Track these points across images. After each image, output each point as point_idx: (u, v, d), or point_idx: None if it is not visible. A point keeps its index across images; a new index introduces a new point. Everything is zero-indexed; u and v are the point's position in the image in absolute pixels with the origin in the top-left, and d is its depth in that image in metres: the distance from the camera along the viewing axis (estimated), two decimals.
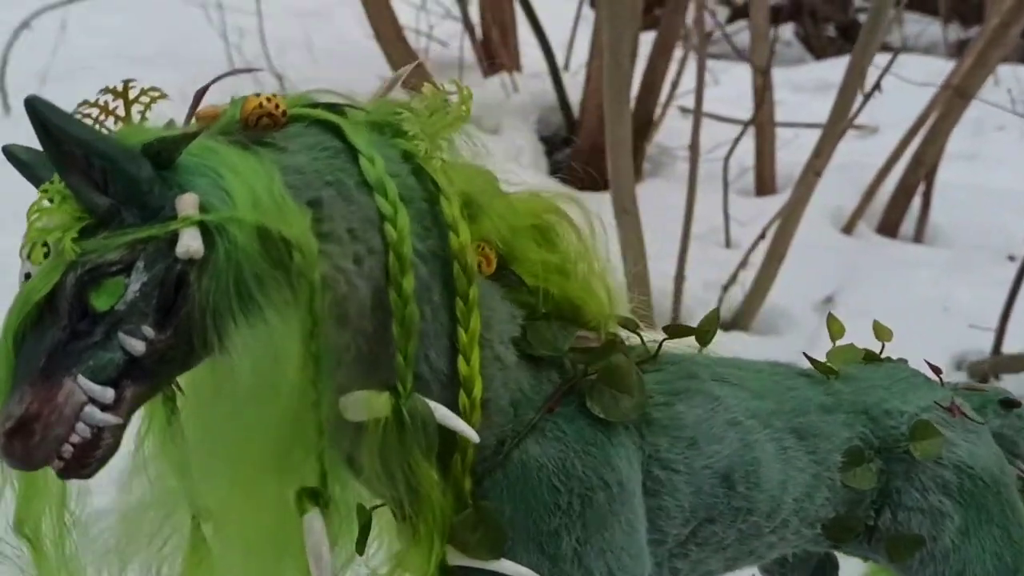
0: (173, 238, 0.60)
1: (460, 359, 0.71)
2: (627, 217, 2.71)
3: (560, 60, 3.99)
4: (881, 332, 0.99)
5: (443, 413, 0.70)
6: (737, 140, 3.06)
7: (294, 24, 4.10)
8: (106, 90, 0.69)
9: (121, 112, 0.68)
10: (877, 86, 2.31)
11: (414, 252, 0.69)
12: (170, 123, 0.70)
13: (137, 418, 0.68)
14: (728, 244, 3.22)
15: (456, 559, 0.72)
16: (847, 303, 2.80)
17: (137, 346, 0.60)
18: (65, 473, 0.61)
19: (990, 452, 0.90)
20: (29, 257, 0.62)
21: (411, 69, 0.81)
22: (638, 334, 0.85)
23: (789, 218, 2.63)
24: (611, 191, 2.71)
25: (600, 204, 3.38)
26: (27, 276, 0.65)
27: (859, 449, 0.87)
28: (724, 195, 3.10)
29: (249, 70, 0.77)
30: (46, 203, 0.62)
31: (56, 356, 0.59)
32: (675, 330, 0.85)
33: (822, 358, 2.80)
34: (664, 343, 0.85)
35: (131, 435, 0.70)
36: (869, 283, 2.86)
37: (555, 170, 3.88)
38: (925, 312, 2.69)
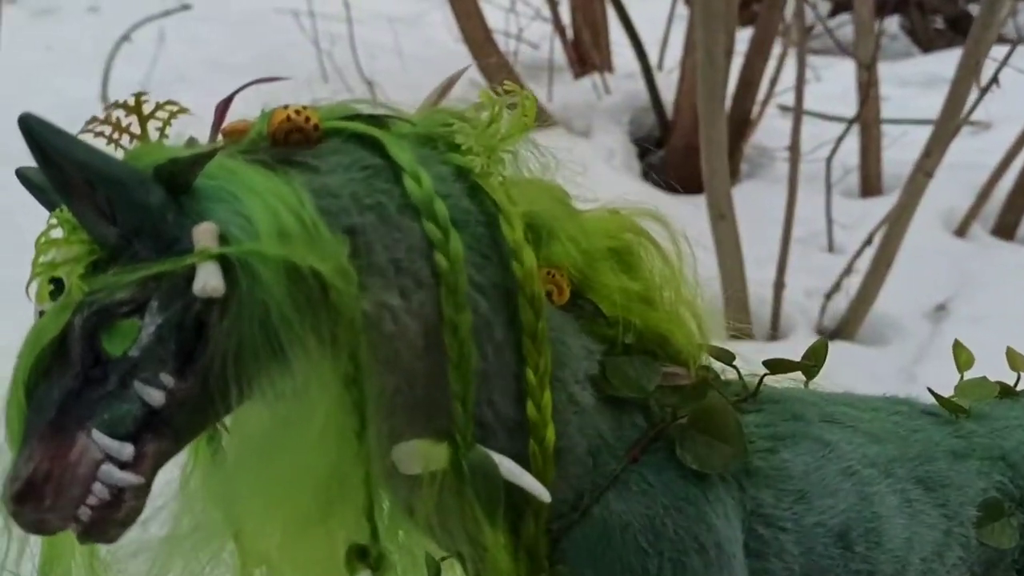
0: (190, 274, 0.52)
1: (529, 403, 0.63)
2: (723, 223, 2.60)
3: (653, 59, 3.88)
4: (1016, 361, 0.87)
5: (509, 468, 0.62)
6: (841, 139, 2.91)
7: (384, 30, 4.09)
8: (117, 104, 0.61)
9: (136, 129, 0.61)
10: (995, 79, 2.15)
11: (471, 284, 0.61)
12: (191, 141, 0.63)
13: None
14: (831, 249, 3.06)
15: None
16: (961, 311, 2.63)
17: (155, 396, 0.53)
18: (85, 537, 0.53)
19: None
20: (37, 294, 0.56)
21: (462, 73, 0.73)
22: (735, 367, 0.76)
23: (898, 221, 2.48)
24: (706, 195, 2.60)
25: (697, 208, 3.27)
26: (41, 315, 0.59)
27: (997, 501, 0.75)
28: (827, 197, 2.95)
29: (276, 79, 0.68)
30: (55, 233, 0.57)
31: (68, 407, 0.53)
32: (777, 365, 0.75)
33: (935, 371, 2.66)
34: (765, 379, 0.76)
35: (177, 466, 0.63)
36: (985, 289, 2.68)
37: (648, 172, 3.78)
38: None
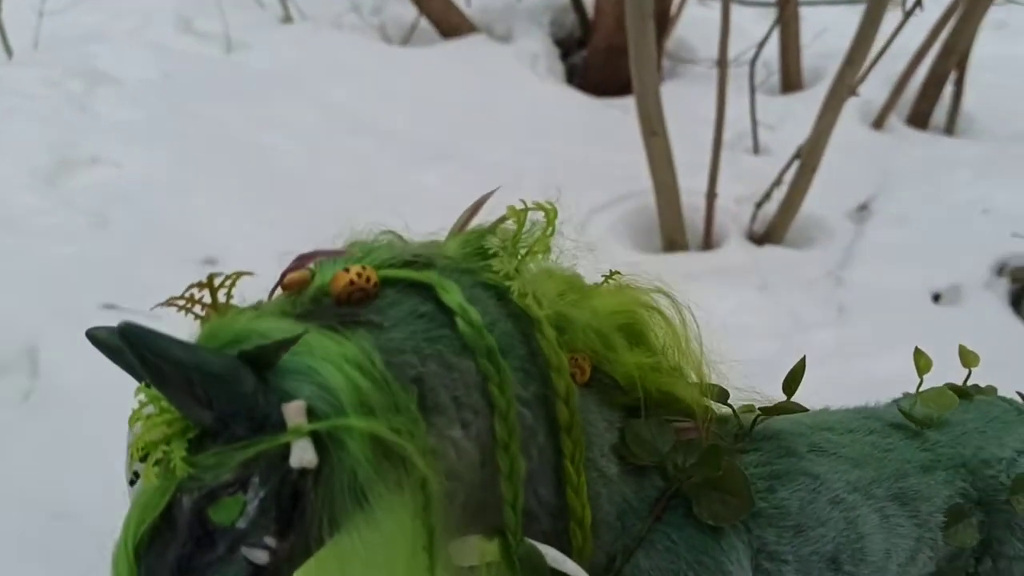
0: (285, 449, 0.58)
1: (570, 492, 0.70)
2: (656, 139, 2.64)
3: None
4: (968, 358, 0.97)
5: (554, 556, 0.69)
6: (763, 43, 2.94)
7: None
8: (192, 285, 0.66)
9: (207, 299, 0.66)
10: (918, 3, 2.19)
11: (518, 400, 0.67)
12: (259, 304, 0.66)
13: None
14: (756, 151, 3.14)
15: None
16: (883, 210, 2.75)
17: (261, 557, 0.59)
18: None
19: None
20: (139, 471, 0.60)
21: (489, 197, 0.77)
22: (731, 407, 0.83)
23: (821, 133, 2.56)
24: (638, 111, 2.63)
25: (622, 112, 3.30)
26: (135, 475, 0.64)
27: (960, 506, 0.85)
28: (751, 101, 3.01)
29: (335, 252, 0.72)
30: (148, 409, 0.60)
31: (183, 572, 0.59)
32: (771, 410, 0.83)
33: (860, 275, 2.77)
34: (755, 416, 0.83)
35: None
36: (904, 187, 2.81)
37: (572, 76, 3.77)
38: (963, 215, 2.64)
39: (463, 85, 3.37)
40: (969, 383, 0.97)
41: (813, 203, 2.75)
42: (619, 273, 0.81)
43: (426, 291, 0.67)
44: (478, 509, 0.68)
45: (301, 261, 0.69)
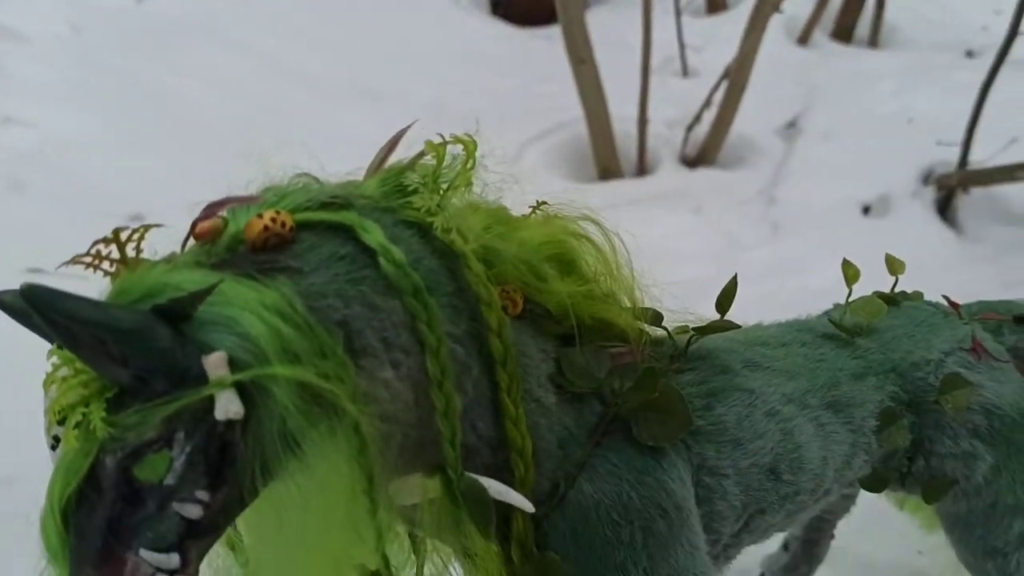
0: (208, 402, 0.56)
1: (508, 424, 0.69)
2: (584, 67, 2.62)
3: None
4: (894, 266, 0.98)
5: (496, 488, 0.68)
6: None
7: None
8: (97, 241, 0.62)
9: (115, 255, 0.61)
10: None
11: (449, 337, 0.66)
12: (172, 256, 0.64)
13: None
14: (685, 73, 3.13)
15: None
16: (811, 126, 2.78)
17: (193, 511, 0.57)
18: None
19: (1016, 386, 0.91)
20: (59, 435, 0.58)
21: (404, 133, 0.74)
22: (665, 329, 0.83)
23: (748, 51, 2.56)
24: (564, 40, 2.60)
25: (548, 41, 3.27)
26: (56, 439, 0.60)
27: (891, 410, 0.85)
28: (677, 23, 2.99)
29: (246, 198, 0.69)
30: (62, 371, 0.58)
31: (113, 533, 0.56)
32: (704, 329, 0.83)
33: (790, 192, 2.79)
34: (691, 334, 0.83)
35: None
36: (830, 101, 2.83)
37: (495, 5, 3.71)
38: (889, 126, 2.68)
39: (382, 20, 3.30)
40: (897, 289, 0.98)
41: (743, 123, 2.76)
42: (546, 204, 0.79)
43: (345, 233, 0.65)
44: (416, 448, 0.67)
45: (211, 209, 0.66)
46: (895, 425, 0.87)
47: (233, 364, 0.56)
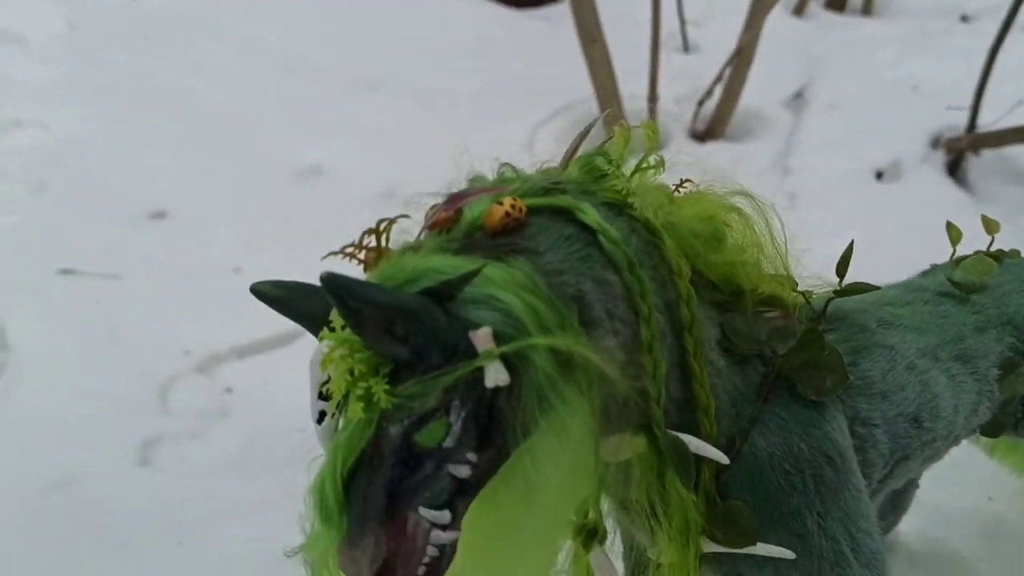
0: (478, 372, 0.62)
1: (695, 385, 0.74)
2: (595, 46, 2.65)
3: None
4: (990, 225, 1.03)
5: (697, 444, 0.74)
6: None
7: None
8: (369, 231, 0.69)
9: (372, 244, 0.69)
10: None
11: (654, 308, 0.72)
12: (415, 244, 0.69)
13: None
14: (686, 49, 3.17)
15: (714, 548, 0.77)
16: (817, 97, 2.83)
17: (464, 471, 0.64)
18: None
19: None
20: (342, 410, 0.63)
21: (596, 122, 0.79)
22: (803, 294, 0.88)
23: (757, 23, 2.60)
24: (575, 21, 2.63)
25: (545, 22, 3.29)
26: (322, 414, 0.66)
27: (1011, 359, 0.92)
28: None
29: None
30: (338, 352, 0.62)
31: (395, 495, 0.63)
32: (844, 291, 0.87)
33: (804, 161, 2.84)
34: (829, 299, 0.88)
35: None
36: (833, 71, 2.89)
37: None
38: (894, 93, 2.74)
39: (382, 11, 3.31)
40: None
41: (749, 96, 2.81)
42: (690, 181, 0.84)
43: (566, 215, 0.71)
44: (622, 412, 0.72)
45: (453, 202, 0.71)
46: (1015, 373, 0.92)
47: (497, 338, 0.62)
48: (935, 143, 2.59)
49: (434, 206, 0.72)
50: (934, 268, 1.03)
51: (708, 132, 2.83)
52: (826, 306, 0.86)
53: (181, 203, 2.41)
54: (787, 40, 3.02)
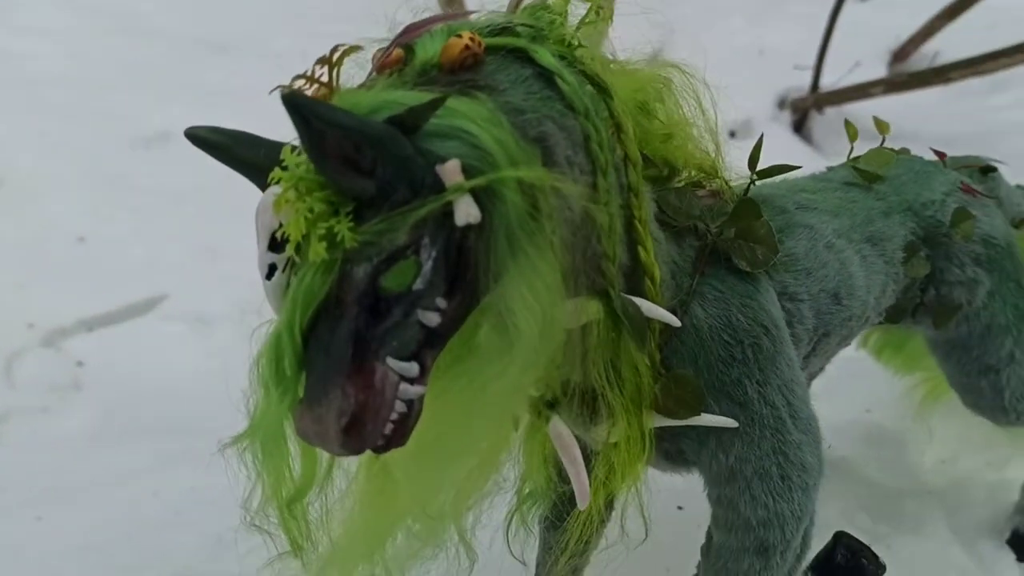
0: (447, 208, 0.57)
1: (641, 250, 0.72)
2: (454, 5, 2.63)
3: None
4: (881, 126, 1.07)
5: (648, 306, 0.71)
6: None
7: None
8: (320, 61, 0.63)
9: (325, 78, 0.62)
10: None
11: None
12: (372, 80, 0.63)
13: None
14: None
15: (661, 422, 0.75)
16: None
17: (433, 319, 0.59)
18: (385, 448, 0.60)
19: (1000, 220, 1.02)
20: (300, 251, 0.57)
21: None
22: (722, 179, 0.88)
23: None
24: None
25: None
26: (271, 267, 0.60)
27: (913, 243, 0.95)
28: None
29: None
30: (289, 194, 0.56)
31: (360, 345, 0.57)
32: (766, 172, 0.88)
33: None
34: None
35: None
36: (685, 37, 2.96)
37: None
38: (744, 58, 2.84)
39: None
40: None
41: None
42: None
43: (523, 55, 0.66)
44: (576, 276, 0.69)
45: (405, 35, 0.66)
46: (916, 256, 0.96)
47: (466, 172, 0.57)
48: (782, 103, 2.71)
49: (380, 49, 0.67)
50: (831, 169, 1.06)
51: None
52: (748, 188, 0.87)
53: (18, 170, 2.24)
54: (637, 8, 3.08)
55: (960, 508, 1.25)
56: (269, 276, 0.61)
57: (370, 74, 0.65)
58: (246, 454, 0.65)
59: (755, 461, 0.78)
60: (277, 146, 0.61)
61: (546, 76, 0.66)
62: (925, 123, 2.56)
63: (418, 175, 0.57)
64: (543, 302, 0.61)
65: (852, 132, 1.01)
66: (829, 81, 2.61)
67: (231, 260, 2.01)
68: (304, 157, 0.57)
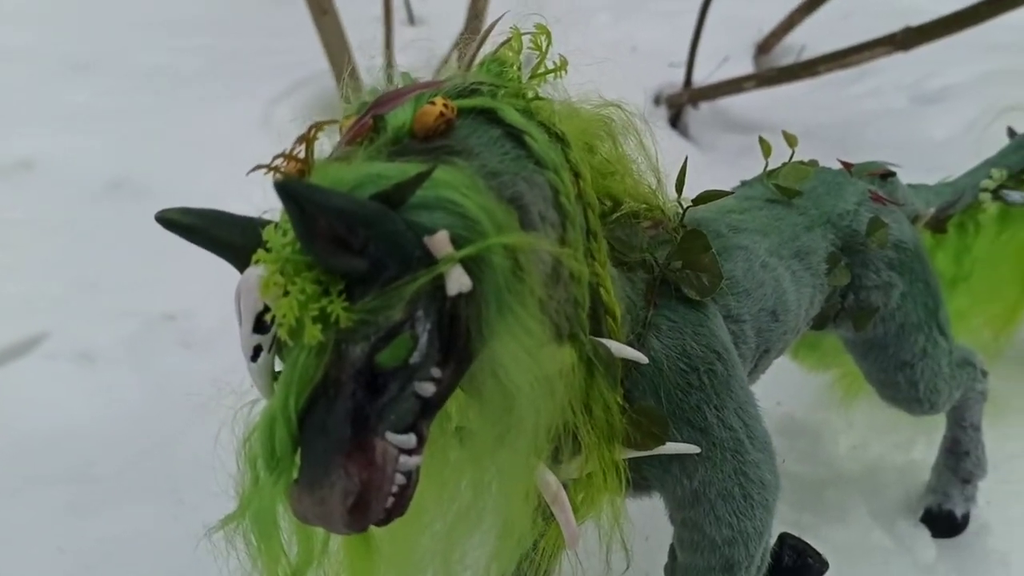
0: (438, 280, 0.57)
1: (603, 291, 0.73)
2: (327, 18, 2.57)
3: None
4: (790, 140, 1.11)
5: (616, 347, 0.73)
6: None
7: None
8: (300, 139, 0.62)
9: (302, 155, 0.61)
10: None
11: None
12: (343, 156, 0.62)
13: None
14: (412, 21, 3.17)
15: (630, 454, 0.77)
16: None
17: (428, 389, 0.59)
18: (386, 521, 0.60)
19: (907, 224, 1.08)
20: (294, 335, 0.56)
21: (494, 26, 0.75)
22: (660, 208, 0.90)
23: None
24: None
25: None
26: (256, 349, 0.60)
27: (834, 254, 0.99)
28: None
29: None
30: (276, 277, 0.56)
31: (358, 423, 0.57)
32: (699, 199, 0.90)
33: None
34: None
35: None
36: (556, 35, 3.00)
37: None
38: (616, 55, 2.88)
39: None
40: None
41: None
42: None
43: (488, 115, 0.67)
44: (550, 322, 0.69)
45: (374, 108, 0.65)
46: (838, 266, 1.00)
47: (453, 242, 0.57)
48: (657, 100, 2.78)
49: (347, 118, 0.66)
50: (745, 183, 1.09)
51: None
52: (683, 214, 0.89)
53: None
54: (504, 7, 3.09)
55: (876, 492, 1.32)
56: (255, 358, 0.60)
57: (339, 144, 0.64)
58: (236, 535, 0.64)
59: (718, 483, 0.81)
60: (253, 223, 0.60)
61: (514, 134, 0.66)
62: (792, 114, 2.68)
63: (408, 249, 0.57)
64: (535, 356, 0.62)
65: (766, 148, 1.05)
66: (701, 76, 2.69)
67: (113, 293, 1.93)
68: (288, 237, 0.56)
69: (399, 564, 0.70)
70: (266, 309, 0.58)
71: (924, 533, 1.26)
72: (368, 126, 0.64)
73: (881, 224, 1.02)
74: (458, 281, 0.58)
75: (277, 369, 0.64)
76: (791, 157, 1.12)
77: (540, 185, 0.67)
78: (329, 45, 2.61)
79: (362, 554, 0.68)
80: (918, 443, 1.39)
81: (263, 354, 0.60)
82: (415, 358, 0.58)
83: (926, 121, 2.32)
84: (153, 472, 1.45)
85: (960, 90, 2.47)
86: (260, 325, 0.59)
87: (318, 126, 0.63)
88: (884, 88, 2.43)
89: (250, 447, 0.60)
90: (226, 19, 3.01)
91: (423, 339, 0.58)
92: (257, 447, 0.59)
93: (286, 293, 0.56)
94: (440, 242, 0.57)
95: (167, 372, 1.68)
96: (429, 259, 0.57)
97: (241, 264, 0.60)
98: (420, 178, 0.57)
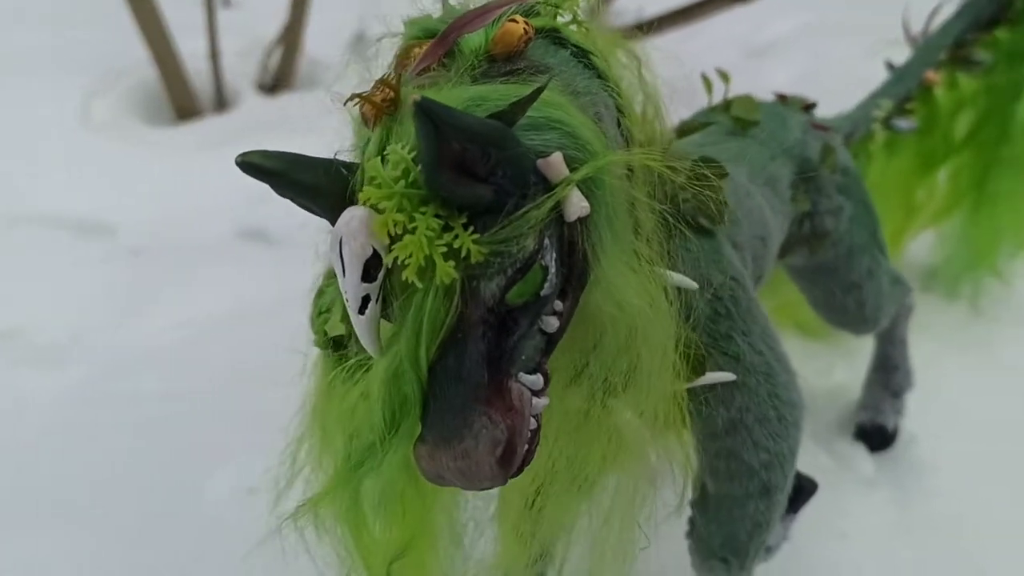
0: (557, 205, 0.54)
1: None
2: (142, 5, 2.37)
3: None
4: (724, 77, 1.12)
5: (668, 276, 0.71)
6: None
7: None
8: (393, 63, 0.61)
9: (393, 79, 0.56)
10: None
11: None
12: (419, 83, 0.57)
13: None
14: (227, 3, 3.00)
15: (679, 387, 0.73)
16: (376, 32, 2.85)
17: (553, 323, 0.56)
18: (518, 471, 0.54)
19: (845, 150, 1.12)
20: (422, 276, 0.50)
21: None
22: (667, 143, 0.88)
23: None
24: None
25: None
26: (364, 300, 0.53)
27: (795, 181, 1.01)
28: None
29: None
30: (397, 214, 0.50)
31: (493, 365, 0.53)
32: (683, 129, 0.89)
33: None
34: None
35: None
36: (385, 10, 2.92)
37: None
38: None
39: None
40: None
41: (310, 45, 2.74)
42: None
43: (552, 35, 0.64)
44: None
45: (448, 35, 0.60)
46: (799, 192, 1.02)
47: (568, 165, 0.55)
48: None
49: (405, 47, 0.61)
50: (697, 119, 1.09)
51: (277, 84, 2.71)
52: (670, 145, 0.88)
53: None
54: None
55: (810, 417, 1.37)
56: (362, 310, 0.54)
57: (410, 72, 0.59)
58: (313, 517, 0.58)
59: (755, 408, 0.80)
60: (335, 165, 0.55)
61: (578, 55, 0.64)
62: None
63: (527, 174, 0.53)
64: (647, 277, 0.60)
65: (708, 85, 1.06)
66: None
67: None
68: (399, 170, 0.50)
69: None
70: (375, 255, 0.51)
71: (861, 449, 1.32)
72: (443, 54, 0.59)
73: (831, 150, 1.05)
74: (578, 205, 0.54)
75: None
76: (724, 94, 1.14)
77: (610, 107, 0.65)
78: (147, 31, 2.43)
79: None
80: (838, 366, 1.45)
81: (371, 304, 0.54)
82: (546, 289, 0.54)
83: (762, 74, 2.42)
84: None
85: (787, 43, 2.61)
86: (367, 273, 0.53)
87: (408, 49, 0.58)
88: (717, 44, 2.52)
89: (366, 410, 0.53)
90: (26, 11, 2.73)
91: (552, 268, 0.54)
92: (378, 408, 0.53)
93: (406, 231, 0.50)
94: (556, 165, 0.54)
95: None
96: (544, 183, 0.54)
97: (329, 209, 0.54)
98: (534, 95, 0.53)
